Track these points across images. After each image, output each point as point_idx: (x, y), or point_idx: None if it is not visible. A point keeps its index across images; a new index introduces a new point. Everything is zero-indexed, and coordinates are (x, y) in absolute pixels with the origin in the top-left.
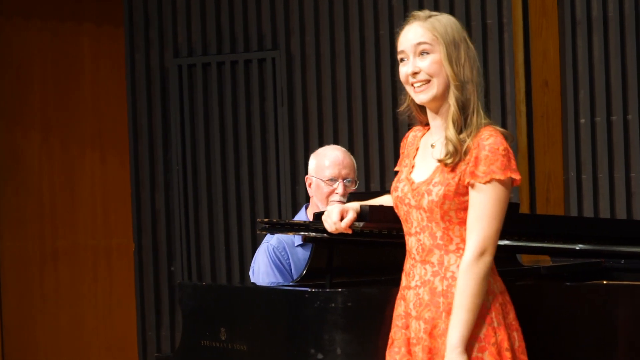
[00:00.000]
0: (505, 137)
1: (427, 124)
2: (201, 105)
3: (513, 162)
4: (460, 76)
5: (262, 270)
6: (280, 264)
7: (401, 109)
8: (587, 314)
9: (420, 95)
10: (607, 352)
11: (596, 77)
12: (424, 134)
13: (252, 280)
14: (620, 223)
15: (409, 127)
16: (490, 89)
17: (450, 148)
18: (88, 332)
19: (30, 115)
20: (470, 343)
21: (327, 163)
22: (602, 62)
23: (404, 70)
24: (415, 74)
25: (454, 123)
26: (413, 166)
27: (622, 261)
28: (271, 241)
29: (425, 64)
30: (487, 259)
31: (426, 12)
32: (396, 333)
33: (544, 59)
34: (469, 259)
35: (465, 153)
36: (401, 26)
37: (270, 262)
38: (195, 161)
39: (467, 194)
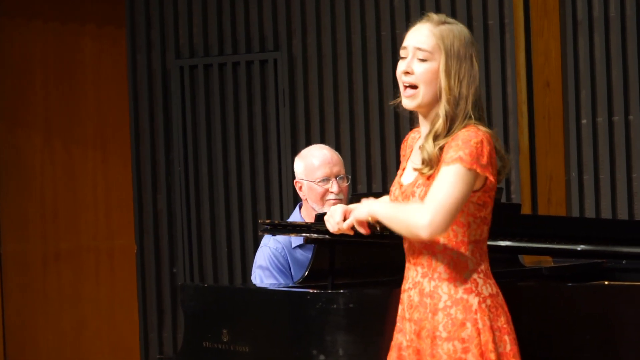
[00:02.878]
0: (485, 134)
1: None
2: (203, 107)
3: (484, 159)
4: (455, 91)
5: (263, 274)
6: (280, 265)
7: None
8: (588, 315)
9: (406, 100)
10: (609, 353)
11: (598, 78)
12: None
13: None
14: (621, 224)
15: (411, 127)
16: (492, 90)
17: (426, 157)
18: (90, 333)
19: (32, 116)
20: (454, 344)
21: (317, 163)
22: (604, 63)
23: (400, 66)
24: (407, 73)
25: (435, 135)
26: (404, 169)
27: (624, 262)
28: (269, 244)
29: (419, 69)
30: (433, 229)
31: (442, 17)
32: (394, 338)
33: (545, 60)
34: (422, 211)
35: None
36: (413, 22)
37: (269, 264)
38: (197, 162)
39: None
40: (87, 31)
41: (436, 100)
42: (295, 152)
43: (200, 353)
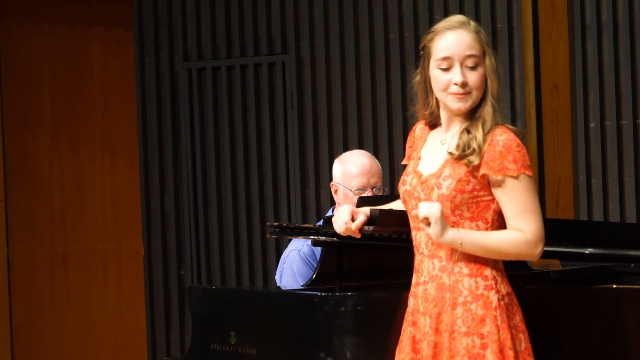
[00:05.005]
0: (516, 135)
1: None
2: (211, 109)
3: (527, 158)
4: (499, 86)
5: (288, 273)
6: (309, 270)
7: (427, 118)
8: (596, 318)
9: (459, 103)
10: (617, 356)
11: (606, 81)
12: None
13: (279, 284)
14: (630, 227)
15: None
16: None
17: (475, 147)
18: (97, 335)
19: (39, 119)
20: (473, 339)
21: (355, 172)
22: (612, 66)
23: (448, 77)
24: (464, 84)
25: (483, 126)
26: (419, 158)
27: (632, 265)
28: (302, 250)
29: (473, 77)
30: (541, 248)
31: (463, 17)
32: (404, 332)
33: (553, 63)
34: (528, 238)
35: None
36: (438, 29)
37: (296, 269)
38: (205, 165)
39: (481, 189)
40: (94, 34)
41: (479, 98)
42: (303, 154)
43: (208, 355)
